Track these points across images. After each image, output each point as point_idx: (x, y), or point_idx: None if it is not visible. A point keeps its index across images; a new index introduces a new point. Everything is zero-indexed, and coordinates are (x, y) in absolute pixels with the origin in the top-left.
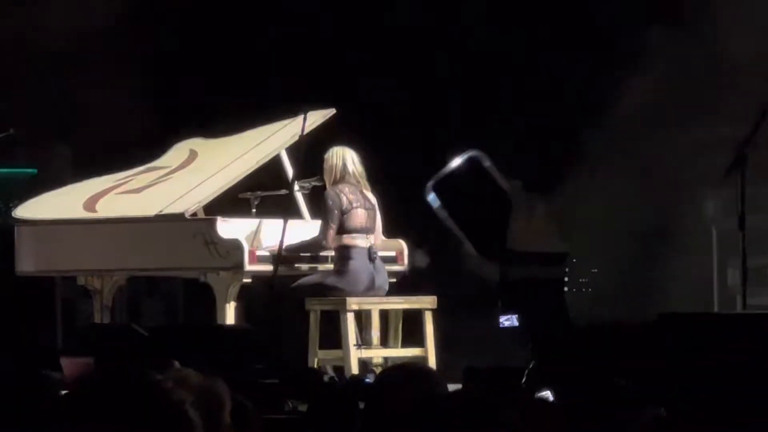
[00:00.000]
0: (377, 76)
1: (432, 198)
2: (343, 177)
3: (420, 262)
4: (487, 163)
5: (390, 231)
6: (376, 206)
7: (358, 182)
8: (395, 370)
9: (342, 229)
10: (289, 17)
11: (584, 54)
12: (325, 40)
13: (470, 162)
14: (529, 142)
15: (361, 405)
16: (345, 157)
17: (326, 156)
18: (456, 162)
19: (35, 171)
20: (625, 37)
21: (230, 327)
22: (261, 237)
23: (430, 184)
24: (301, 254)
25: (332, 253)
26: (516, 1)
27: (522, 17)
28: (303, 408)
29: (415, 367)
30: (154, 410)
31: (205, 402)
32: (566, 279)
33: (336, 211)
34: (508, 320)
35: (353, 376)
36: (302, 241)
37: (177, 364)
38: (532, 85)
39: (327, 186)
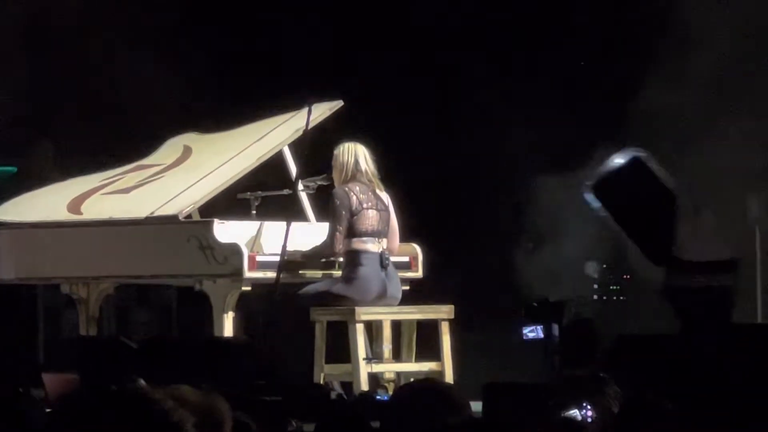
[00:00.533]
0: (388, 65)
1: (591, 199)
2: (354, 176)
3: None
4: (653, 163)
5: (402, 235)
6: (390, 208)
7: (371, 182)
8: (414, 388)
9: (351, 232)
10: (301, 5)
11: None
12: (336, 30)
13: (634, 162)
14: (562, 130)
15: (374, 424)
16: (357, 154)
17: (336, 152)
18: (618, 161)
19: (14, 169)
20: (673, 27)
21: (228, 339)
22: (262, 241)
23: (589, 184)
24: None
25: (340, 258)
26: None
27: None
28: (308, 428)
29: (437, 385)
30: None
31: (205, 421)
32: (596, 286)
33: (344, 212)
34: (533, 332)
35: (363, 393)
36: (312, 249)
37: (142, 381)
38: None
39: (335, 185)
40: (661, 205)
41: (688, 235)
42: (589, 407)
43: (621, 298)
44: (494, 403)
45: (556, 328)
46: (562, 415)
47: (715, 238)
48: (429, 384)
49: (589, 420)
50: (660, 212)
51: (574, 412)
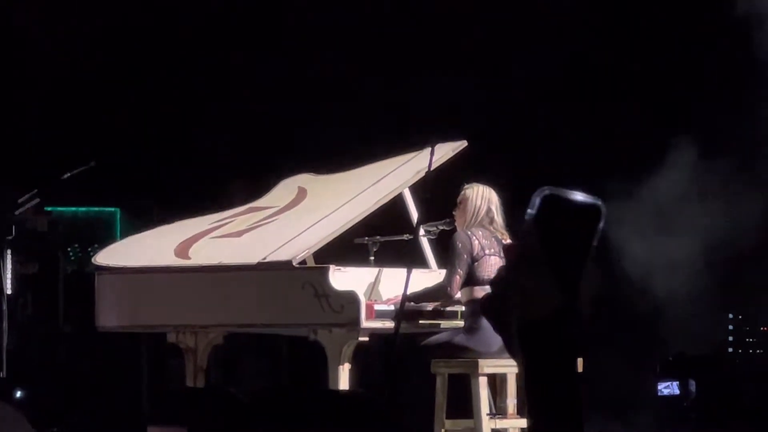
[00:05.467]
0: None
1: None
2: (481, 222)
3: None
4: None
5: None
6: None
7: (497, 231)
8: None
9: (473, 280)
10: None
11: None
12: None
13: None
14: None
15: None
16: (491, 203)
17: (468, 193)
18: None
19: (117, 210)
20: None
21: (343, 392)
22: (380, 288)
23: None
24: (425, 308)
25: (462, 307)
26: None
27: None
28: None
29: None
30: None
31: None
32: (731, 339)
33: (465, 255)
34: (668, 387)
35: None
36: (425, 289)
37: None
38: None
39: (458, 227)
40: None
41: None
42: None
43: (758, 351)
44: None
45: (693, 385)
46: None
47: None
48: None
49: None
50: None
51: None
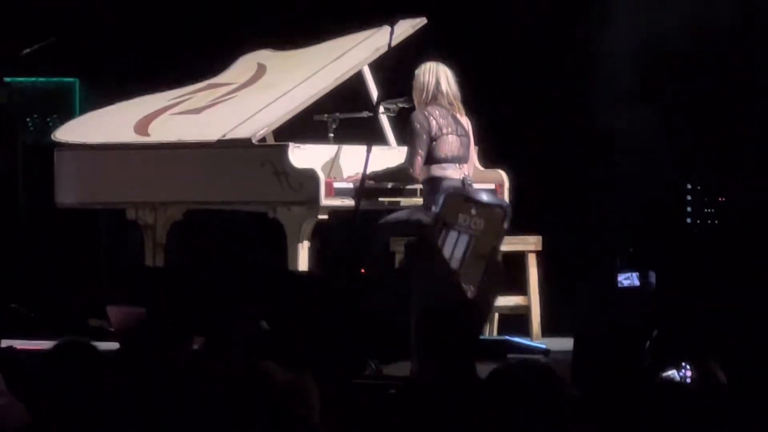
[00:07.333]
0: None
1: None
2: (435, 98)
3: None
4: None
5: (488, 161)
6: (470, 132)
7: (452, 105)
8: (511, 370)
9: (431, 158)
10: None
11: None
12: None
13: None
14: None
15: None
16: (439, 75)
17: (417, 72)
18: None
19: (77, 81)
20: None
21: (302, 273)
22: (340, 166)
23: None
24: (386, 185)
25: (419, 185)
26: None
27: None
28: (387, 369)
29: (535, 365)
30: None
31: (292, 400)
32: (689, 209)
33: (424, 136)
34: (628, 279)
35: None
36: (387, 169)
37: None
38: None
39: (416, 107)
40: None
41: None
42: (688, 368)
43: (715, 222)
44: (585, 356)
45: (653, 276)
46: (661, 376)
47: None
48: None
49: (688, 382)
50: None
51: (672, 373)
